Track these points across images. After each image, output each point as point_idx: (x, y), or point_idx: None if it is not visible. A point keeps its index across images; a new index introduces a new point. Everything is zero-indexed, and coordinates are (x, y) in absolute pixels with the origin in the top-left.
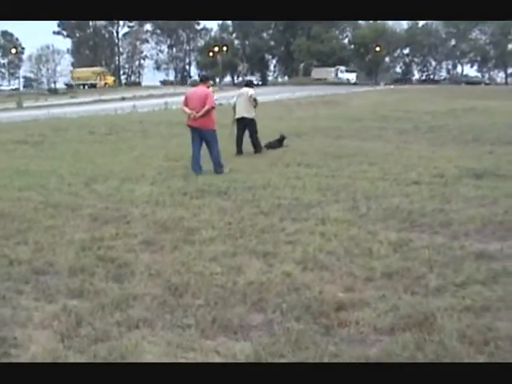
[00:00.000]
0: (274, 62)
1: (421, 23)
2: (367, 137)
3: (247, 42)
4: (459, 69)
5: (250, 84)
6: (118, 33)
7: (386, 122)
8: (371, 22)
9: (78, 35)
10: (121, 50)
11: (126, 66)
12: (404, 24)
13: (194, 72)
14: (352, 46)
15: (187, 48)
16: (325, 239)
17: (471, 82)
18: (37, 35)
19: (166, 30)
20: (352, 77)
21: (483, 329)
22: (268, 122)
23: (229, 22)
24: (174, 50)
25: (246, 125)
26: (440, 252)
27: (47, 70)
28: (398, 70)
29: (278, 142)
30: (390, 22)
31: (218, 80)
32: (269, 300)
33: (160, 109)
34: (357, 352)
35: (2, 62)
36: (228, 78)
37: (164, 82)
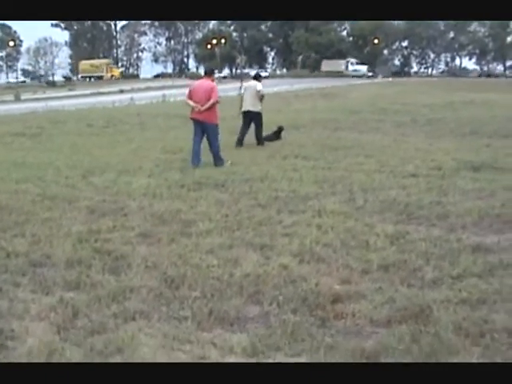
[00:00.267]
0: (273, 54)
1: None
2: (365, 129)
3: (245, 35)
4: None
5: (257, 77)
6: (115, 25)
7: (383, 114)
8: None
9: (75, 28)
10: (119, 42)
11: (124, 58)
12: None
13: (192, 64)
14: (350, 39)
15: (185, 40)
16: (321, 231)
17: (493, 74)
18: (35, 28)
19: (164, 23)
20: (363, 69)
21: (479, 321)
22: (266, 115)
23: None
24: (172, 42)
25: (251, 118)
26: (437, 244)
27: (45, 62)
28: (397, 62)
29: (276, 135)
30: None
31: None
32: (265, 292)
33: (158, 101)
34: (353, 344)
35: (0, 54)
36: (226, 71)
37: (162, 75)
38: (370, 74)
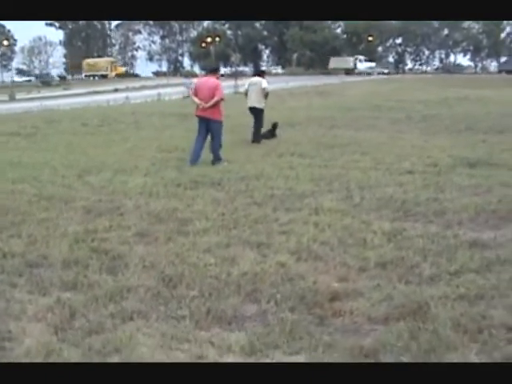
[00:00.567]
0: (268, 52)
1: None
2: (360, 126)
3: (240, 33)
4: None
5: (261, 74)
6: (110, 24)
7: (379, 111)
8: None
9: (70, 27)
10: (113, 41)
11: (119, 57)
12: None
13: (186, 63)
14: (345, 36)
15: (180, 39)
16: (318, 229)
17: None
18: (29, 27)
19: (159, 21)
20: (371, 66)
21: (477, 317)
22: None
23: None
24: (167, 40)
25: (254, 114)
26: (434, 241)
27: (40, 61)
28: (391, 59)
29: (271, 132)
30: None
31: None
32: (263, 290)
33: (153, 100)
34: (351, 342)
35: None
36: (223, 69)
37: (157, 74)
38: (386, 70)
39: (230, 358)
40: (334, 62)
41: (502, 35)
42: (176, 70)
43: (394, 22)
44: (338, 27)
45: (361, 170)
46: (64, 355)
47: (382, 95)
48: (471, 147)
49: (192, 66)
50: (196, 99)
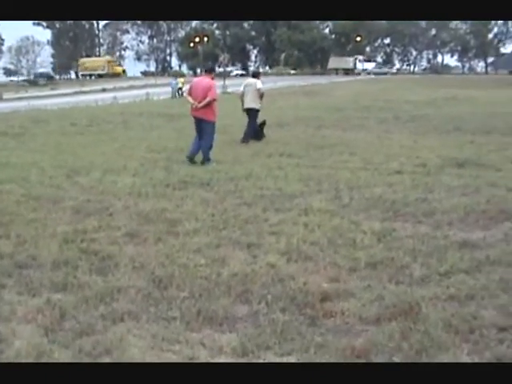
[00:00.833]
0: (256, 52)
1: None
2: (348, 127)
3: (228, 33)
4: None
5: (256, 75)
6: (98, 24)
7: (367, 111)
8: None
9: (57, 26)
10: (101, 41)
11: (107, 57)
12: None
13: (174, 63)
14: (333, 36)
15: (168, 39)
16: (308, 230)
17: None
18: (16, 26)
19: (147, 21)
20: (371, 66)
21: (468, 317)
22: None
23: None
24: (155, 40)
25: (251, 115)
26: (424, 241)
27: (27, 61)
28: (379, 59)
29: (259, 133)
30: None
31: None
32: (254, 291)
33: (141, 100)
34: (343, 342)
35: None
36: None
37: (145, 73)
38: (395, 70)
39: (221, 359)
40: (334, 62)
41: (490, 36)
42: (164, 69)
43: (382, 22)
44: (326, 27)
45: (350, 170)
46: (54, 357)
47: (370, 95)
48: (459, 148)
49: (180, 66)
50: (190, 99)
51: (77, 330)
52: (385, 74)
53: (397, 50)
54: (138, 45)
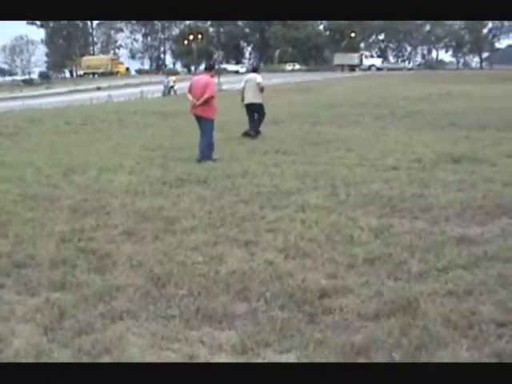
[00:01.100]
0: (250, 49)
1: None
2: (344, 123)
3: (222, 30)
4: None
5: (256, 69)
6: (92, 22)
7: (362, 107)
8: None
9: (51, 25)
10: (95, 39)
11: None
12: None
13: (169, 61)
14: (327, 33)
15: (162, 37)
16: (305, 226)
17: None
18: (10, 26)
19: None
20: (378, 62)
21: (467, 313)
22: (243, 110)
23: None
24: (149, 38)
25: (254, 110)
26: (421, 237)
27: (21, 60)
28: (374, 55)
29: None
30: None
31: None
32: (252, 289)
33: (136, 98)
34: (342, 339)
35: None
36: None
37: (139, 72)
38: (410, 66)
39: (221, 357)
40: (339, 58)
41: (485, 31)
42: (158, 67)
43: None
44: (321, 24)
45: (346, 166)
46: (54, 356)
47: (365, 91)
48: (454, 143)
49: (174, 64)
50: (189, 96)
51: (76, 328)
52: (400, 69)
53: (391, 45)
54: (132, 43)
